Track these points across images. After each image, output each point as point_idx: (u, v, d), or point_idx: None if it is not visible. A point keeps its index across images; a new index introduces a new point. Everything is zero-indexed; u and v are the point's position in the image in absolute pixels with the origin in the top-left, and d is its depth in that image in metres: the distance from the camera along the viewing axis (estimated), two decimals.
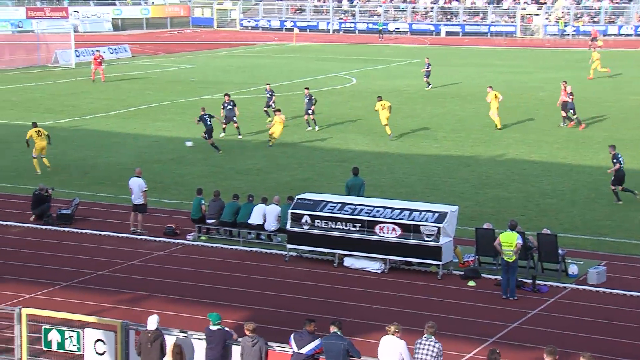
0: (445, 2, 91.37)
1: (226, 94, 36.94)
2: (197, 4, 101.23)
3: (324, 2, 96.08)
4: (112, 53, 66.97)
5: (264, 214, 22.67)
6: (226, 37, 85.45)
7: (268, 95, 39.47)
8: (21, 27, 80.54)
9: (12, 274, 20.20)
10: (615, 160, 26.04)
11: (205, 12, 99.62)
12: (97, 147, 34.17)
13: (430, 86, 49.81)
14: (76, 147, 34.32)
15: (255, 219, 22.71)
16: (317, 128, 37.76)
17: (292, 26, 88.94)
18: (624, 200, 26.16)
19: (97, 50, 56.73)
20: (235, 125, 35.98)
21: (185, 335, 14.86)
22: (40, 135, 30.26)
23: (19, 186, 27.88)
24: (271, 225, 22.55)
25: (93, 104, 44.15)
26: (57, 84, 51.97)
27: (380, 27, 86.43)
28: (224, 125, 36.13)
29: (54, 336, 15.13)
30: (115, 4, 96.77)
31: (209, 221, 23.23)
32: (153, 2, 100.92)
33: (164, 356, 14.46)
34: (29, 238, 23.12)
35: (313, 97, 37.84)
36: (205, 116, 33.57)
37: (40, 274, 20.30)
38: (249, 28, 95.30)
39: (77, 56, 61.80)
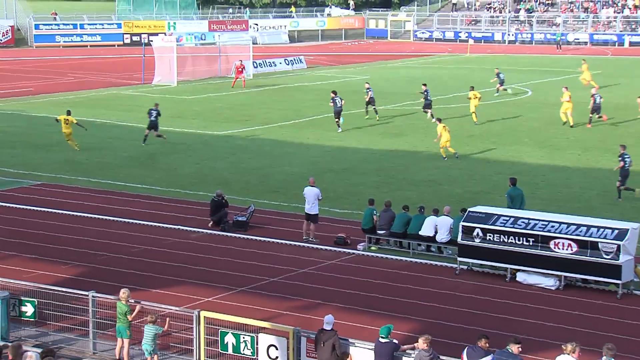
0: (630, 12, 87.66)
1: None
2: (372, 15, 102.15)
3: (500, 12, 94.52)
4: (288, 64, 68.61)
5: (435, 226, 22.51)
6: (400, 48, 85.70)
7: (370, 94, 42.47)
8: (204, 40, 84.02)
9: (191, 278, 21.02)
10: (620, 159, 27.63)
11: (380, 24, 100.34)
12: (272, 156, 35.07)
13: (508, 89, 50.93)
14: (253, 155, 35.37)
15: (426, 230, 22.57)
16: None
17: (466, 37, 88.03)
18: None
19: (240, 61, 58.58)
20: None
21: (352, 344, 14.95)
22: (67, 123, 35.45)
23: (199, 193, 29.01)
24: (443, 236, 22.34)
25: (269, 114, 45.37)
26: (235, 94, 53.81)
27: (559, 38, 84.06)
28: None
29: (229, 339, 15.61)
30: (292, 17, 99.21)
31: (379, 232, 23.30)
32: (329, 15, 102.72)
33: (337, 357, 14.65)
34: (207, 243, 23.98)
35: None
36: (152, 111, 36.80)
37: (217, 278, 21.01)
38: (423, 39, 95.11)
39: (255, 67, 63.76)
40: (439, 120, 34.90)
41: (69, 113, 36.41)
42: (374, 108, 42.73)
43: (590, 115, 40.38)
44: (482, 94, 44.76)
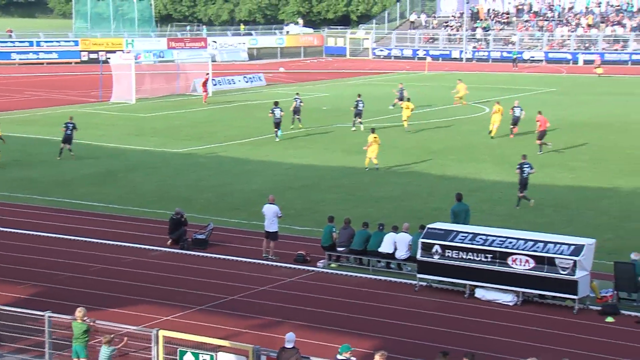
0: (584, 31, 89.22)
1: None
2: (331, 33, 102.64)
3: (457, 31, 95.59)
4: (247, 82, 68.57)
5: (395, 242, 22.60)
6: (358, 66, 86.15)
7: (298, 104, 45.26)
8: (162, 57, 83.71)
9: (150, 297, 20.85)
10: (518, 168, 28.94)
11: (339, 41, 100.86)
12: (232, 174, 34.98)
13: (393, 106, 52.96)
14: (212, 173, 35.25)
15: (385, 247, 22.66)
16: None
17: (424, 55, 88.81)
18: None
19: (207, 74, 59.56)
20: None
21: None
22: None
23: (158, 211, 28.82)
24: (402, 253, 22.44)
25: (229, 131, 45.29)
26: (195, 111, 53.65)
27: (515, 56, 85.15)
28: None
29: (188, 358, 15.48)
30: (251, 34, 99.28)
31: (339, 249, 23.33)
32: (288, 32, 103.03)
33: None
34: (166, 262, 23.82)
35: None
36: (68, 124, 37.74)
37: (175, 297, 20.87)
38: (381, 57, 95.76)
39: (214, 85, 63.63)
40: (372, 130, 36.03)
41: None
42: (298, 117, 45.21)
43: (511, 126, 42.57)
44: (441, 111, 45.17)
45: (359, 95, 46.13)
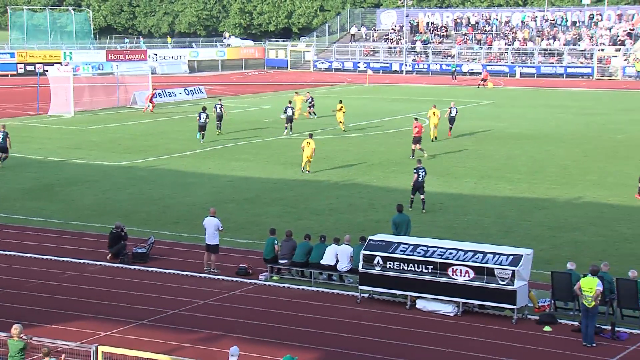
0: (520, 44, 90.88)
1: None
2: (272, 46, 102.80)
3: (397, 43, 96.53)
4: (188, 94, 68.24)
5: (336, 255, 22.68)
6: (300, 78, 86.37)
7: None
8: (101, 70, 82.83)
9: (88, 312, 20.56)
10: (415, 171, 30.51)
11: (280, 54, 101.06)
12: (174, 187, 34.73)
13: (315, 116, 55.35)
14: (153, 186, 34.95)
15: (327, 259, 22.72)
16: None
17: (365, 67, 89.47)
18: None
19: (154, 90, 62.09)
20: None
21: None
22: None
23: (96, 225, 28.47)
24: (343, 265, 22.53)
25: (170, 144, 45.00)
26: (135, 124, 53.17)
27: (454, 69, 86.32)
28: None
29: None
30: (192, 47, 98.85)
31: (281, 261, 23.33)
32: (229, 45, 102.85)
33: None
34: (106, 276, 23.53)
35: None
36: (0, 132, 38.45)
37: (115, 312, 20.62)
38: (322, 69, 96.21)
39: (155, 97, 63.16)
40: (310, 135, 37.66)
41: None
42: (219, 124, 47.91)
43: (450, 126, 46.09)
44: (383, 123, 45.41)
45: (290, 102, 49.22)
